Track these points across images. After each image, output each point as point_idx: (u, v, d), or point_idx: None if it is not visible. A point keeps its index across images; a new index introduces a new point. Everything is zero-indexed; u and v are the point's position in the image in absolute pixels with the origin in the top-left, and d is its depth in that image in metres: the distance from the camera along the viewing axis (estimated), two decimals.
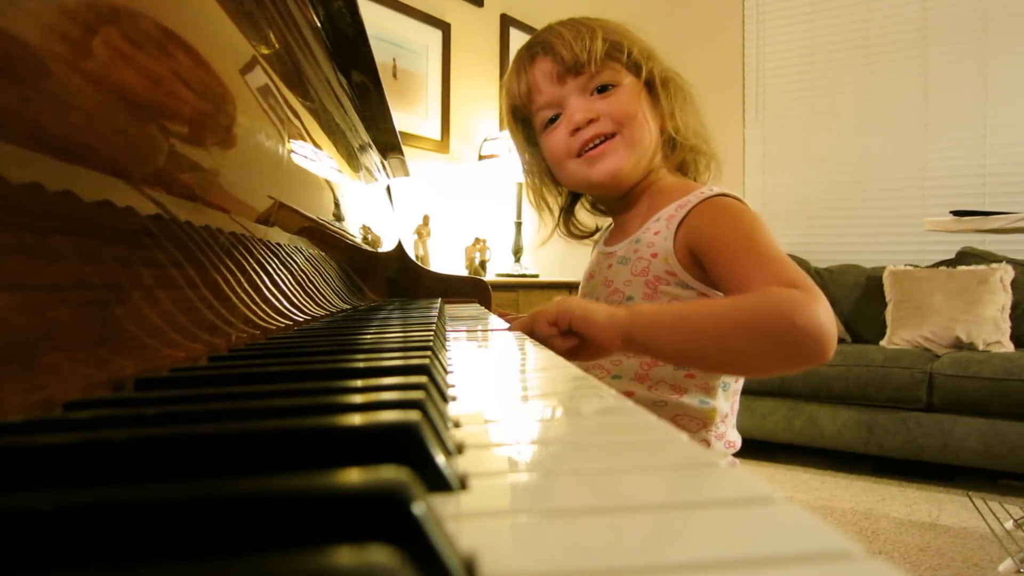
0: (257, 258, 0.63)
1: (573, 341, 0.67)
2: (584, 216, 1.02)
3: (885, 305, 2.96)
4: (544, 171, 0.94)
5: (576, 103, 0.84)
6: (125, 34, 0.38)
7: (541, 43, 0.86)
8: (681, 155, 0.89)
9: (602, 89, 0.83)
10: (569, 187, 0.95)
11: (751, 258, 0.71)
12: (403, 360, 0.40)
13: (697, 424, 0.81)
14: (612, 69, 0.84)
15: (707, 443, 0.82)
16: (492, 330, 0.83)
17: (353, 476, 0.16)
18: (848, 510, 2.23)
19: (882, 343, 2.85)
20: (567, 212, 1.00)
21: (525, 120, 0.91)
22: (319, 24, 0.94)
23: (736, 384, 0.84)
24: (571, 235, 1.01)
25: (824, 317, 0.63)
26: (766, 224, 0.77)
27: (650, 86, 0.86)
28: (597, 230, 1.01)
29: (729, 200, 0.80)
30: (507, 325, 0.92)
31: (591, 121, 0.83)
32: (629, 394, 0.81)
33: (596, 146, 0.83)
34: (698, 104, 0.90)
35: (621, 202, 0.90)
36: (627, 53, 0.84)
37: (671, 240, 0.80)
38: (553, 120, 0.87)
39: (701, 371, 0.80)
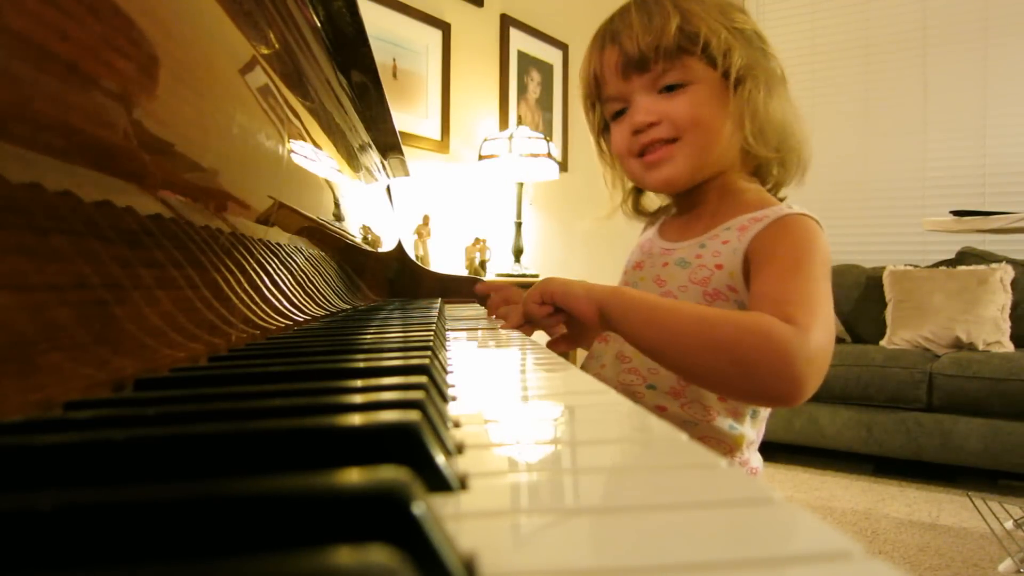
0: (257, 258, 0.63)
1: (560, 317, 0.73)
2: (650, 196, 0.97)
3: (885, 305, 2.96)
4: (612, 158, 0.91)
5: (640, 102, 0.79)
6: (125, 34, 0.38)
7: (611, 31, 0.80)
8: (755, 160, 0.82)
9: (671, 87, 0.78)
10: (631, 180, 0.92)
11: (782, 285, 0.68)
12: (403, 360, 0.40)
13: (724, 448, 0.78)
14: (682, 66, 0.77)
15: None
16: (492, 328, 0.83)
17: (353, 476, 0.16)
18: (848, 510, 2.23)
19: (882, 343, 2.85)
20: (637, 191, 0.96)
21: (596, 104, 0.87)
22: (319, 24, 0.94)
23: (764, 413, 0.81)
24: (637, 213, 0.96)
25: (802, 364, 0.60)
26: (827, 260, 0.72)
27: (729, 77, 0.78)
28: (660, 209, 0.96)
29: (806, 226, 0.75)
30: (498, 308, 0.91)
31: (652, 124, 0.78)
32: (661, 409, 0.79)
33: (656, 150, 0.79)
34: (789, 98, 0.81)
35: (687, 196, 0.85)
36: (704, 44, 0.76)
37: (740, 254, 0.75)
38: (621, 112, 0.82)
39: (667, 370, 0.76)
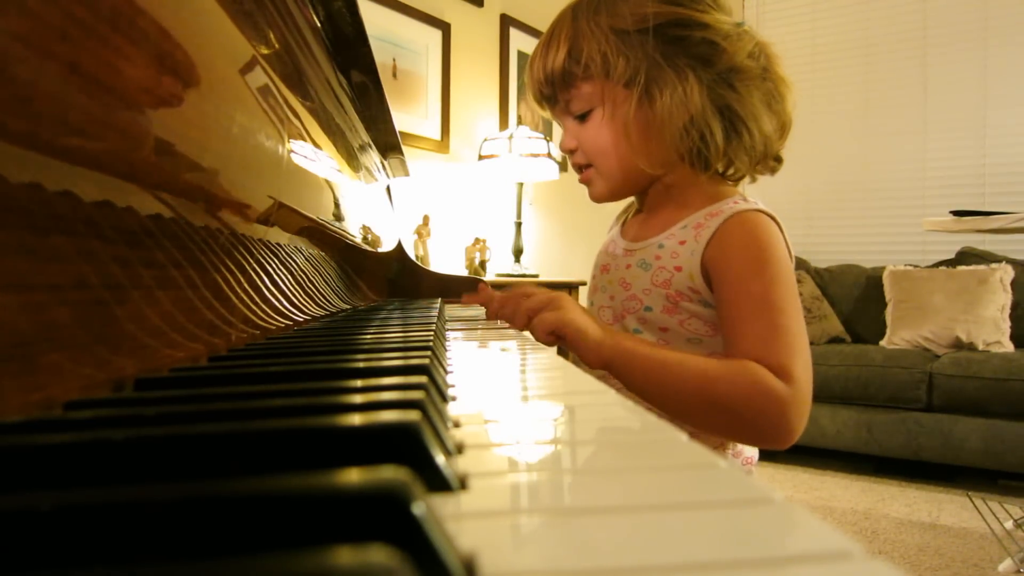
0: (257, 258, 0.63)
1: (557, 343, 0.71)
2: None
3: (885, 305, 2.96)
4: None
5: (565, 126, 0.82)
6: (125, 34, 0.38)
7: (531, 58, 0.83)
8: (708, 152, 0.77)
9: (579, 116, 0.79)
10: None
11: (758, 321, 0.68)
12: (403, 360, 0.40)
13: (715, 441, 0.79)
14: (579, 93, 0.77)
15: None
16: (492, 328, 0.83)
17: (353, 476, 0.16)
18: (848, 510, 2.23)
19: (882, 343, 2.85)
20: None
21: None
22: (319, 24, 0.94)
23: None
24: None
25: (795, 419, 0.65)
26: (789, 266, 0.72)
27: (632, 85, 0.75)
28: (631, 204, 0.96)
29: (760, 225, 0.73)
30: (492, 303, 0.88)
31: (573, 150, 0.82)
32: (649, 409, 0.79)
33: (581, 173, 0.83)
34: (746, 81, 0.75)
35: (641, 196, 0.87)
36: (596, 63, 0.75)
37: (699, 255, 0.74)
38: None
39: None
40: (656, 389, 0.67)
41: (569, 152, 0.83)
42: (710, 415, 0.67)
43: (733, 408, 0.65)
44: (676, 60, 0.74)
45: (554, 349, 0.66)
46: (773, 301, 0.69)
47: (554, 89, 0.80)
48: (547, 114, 0.86)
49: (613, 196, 0.84)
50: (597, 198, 0.84)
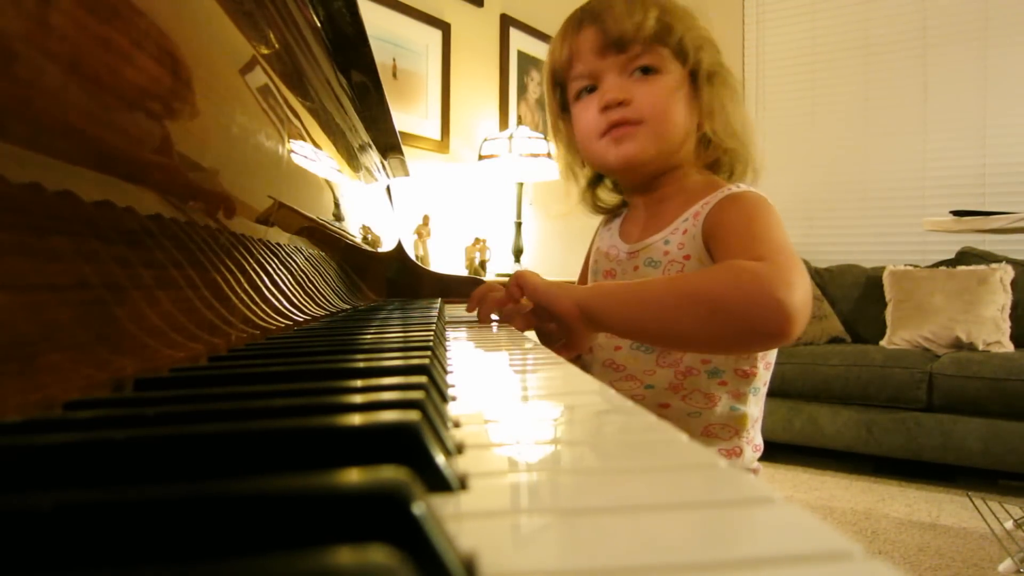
0: (257, 258, 0.63)
1: (531, 314, 0.73)
2: (606, 193, 0.99)
3: (885, 305, 2.96)
4: (571, 140, 0.91)
5: (612, 80, 0.81)
6: (125, 34, 0.38)
7: (591, 12, 0.83)
8: (714, 155, 0.85)
9: (645, 71, 0.80)
10: (588, 164, 0.92)
11: (742, 239, 0.71)
12: (403, 360, 0.40)
13: (730, 432, 0.80)
14: (657, 53, 0.80)
15: (740, 450, 0.80)
16: (492, 325, 0.83)
17: (353, 476, 0.16)
18: (848, 510, 2.23)
19: (882, 343, 2.85)
20: (594, 185, 0.96)
21: (562, 85, 0.89)
22: (319, 24, 0.94)
23: (764, 388, 0.83)
24: (595, 209, 0.98)
25: (784, 292, 0.59)
26: (781, 220, 0.75)
27: (695, 76, 0.82)
28: (616, 207, 0.97)
29: (752, 195, 0.78)
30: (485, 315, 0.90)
31: (622, 103, 0.80)
32: (664, 406, 0.80)
33: (622, 128, 0.81)
34: (742, 104, 0.86)
35: (643, 190, 0.88)
36: (678, 38, 0.80)
37: (699, 239, 0.78)
38: (589, 90, 0.84)
39: (660, 348, 0.80)
40: (639, 311, 0.66)
41: (616, 105, 0.80)
42: (695, 315, 0.62)
43: (714, 299, 0.61)
44: (725, 72, 0.85)
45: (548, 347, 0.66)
46: (757, 223, 0.73)
47: (635, 38, 0.80)
48: (588, 63, 0.84)
49: (652, 159, 0.82)
50: (634, 156, 0.81)
